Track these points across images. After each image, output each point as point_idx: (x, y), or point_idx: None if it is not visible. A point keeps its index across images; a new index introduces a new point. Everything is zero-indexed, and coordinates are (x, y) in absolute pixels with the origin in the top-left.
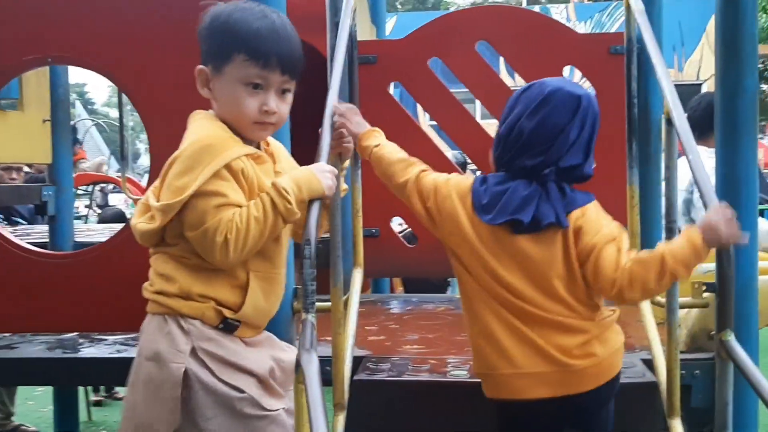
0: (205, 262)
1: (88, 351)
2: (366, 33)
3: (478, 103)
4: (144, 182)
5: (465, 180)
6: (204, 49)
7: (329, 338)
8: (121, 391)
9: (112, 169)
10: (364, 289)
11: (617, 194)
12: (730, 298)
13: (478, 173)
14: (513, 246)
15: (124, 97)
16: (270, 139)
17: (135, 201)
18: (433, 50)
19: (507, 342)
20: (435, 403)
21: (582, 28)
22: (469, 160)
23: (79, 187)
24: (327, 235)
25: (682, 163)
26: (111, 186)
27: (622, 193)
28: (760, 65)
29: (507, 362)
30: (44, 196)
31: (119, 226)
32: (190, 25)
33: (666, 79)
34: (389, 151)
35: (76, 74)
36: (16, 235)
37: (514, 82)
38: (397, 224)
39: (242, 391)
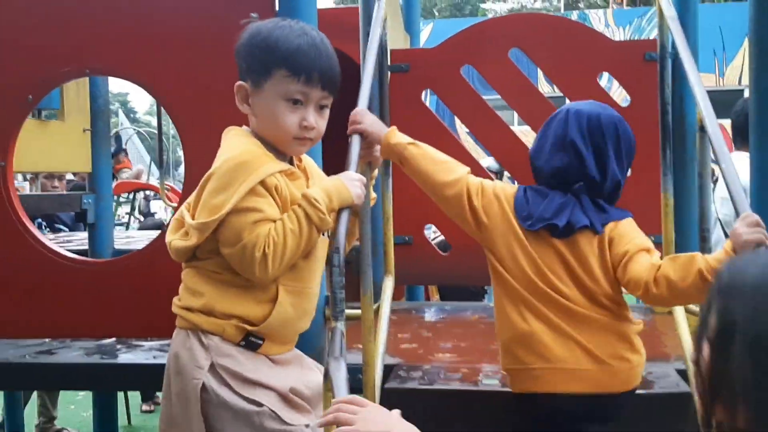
0: (236, 278)
1: (125, 356)
2: (399, 41)
3: None
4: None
5: (510, 187)
6: (243, 65)
7: (361, 345)
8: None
9: (153, 177)
10: (397, 297)
11: (652, 202)
12: None
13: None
14: (553, 249)
15: None
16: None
17: (174, 209)
18: (466, 58)
19: (547, 338)
20: (466, 412)
21: (621, 33)
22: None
23: (121, 195)
24: (359, 243)
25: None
26: (153, 193)
27: (657, 201)
28: None
29: (545, 358)
30: (84, 204)
31: (156, 233)
32: (226, 38)
33: (699, 86)
34: (430, 149)
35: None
36: (57, 242)
37: (552, 90)
38: (432, 231)
39: (260, 405)
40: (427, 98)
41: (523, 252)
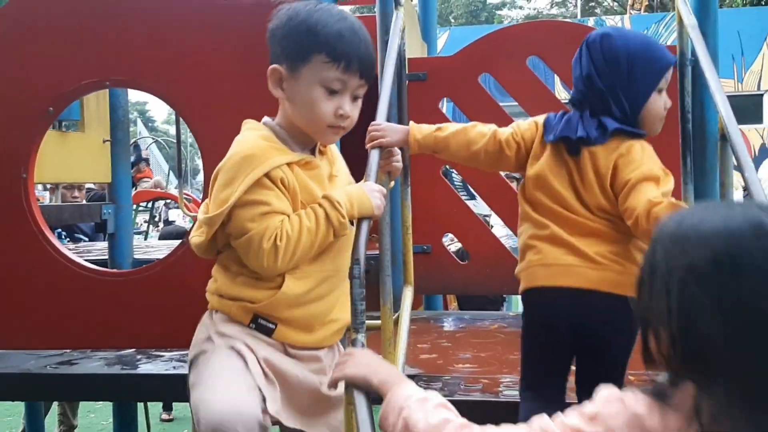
0: (244, 270)
1: (146, 367)
2: (417, 50)
3: None
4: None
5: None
6: (278, 48)
7: (381, 356)
8: None
9: (172, 185)
10: (416, 306)
11: None
12: None
13: None
14: (565, 163)
15: None
16: None
17: (193, 218)
18: (483, 66)
19: (545, 243)
20: (487, 424)
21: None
22: None
23: (140, 204)
24: (377, 252)
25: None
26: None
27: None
28: None
29: (541, 256)
30: (104, 214)
31: (176, 242)
32: (242, 50)
33: (720, 94)
34: (452, 126)
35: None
36: (77, 253)
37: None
38: (449, 239)
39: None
40: (443, 106)
41: (543, 168)
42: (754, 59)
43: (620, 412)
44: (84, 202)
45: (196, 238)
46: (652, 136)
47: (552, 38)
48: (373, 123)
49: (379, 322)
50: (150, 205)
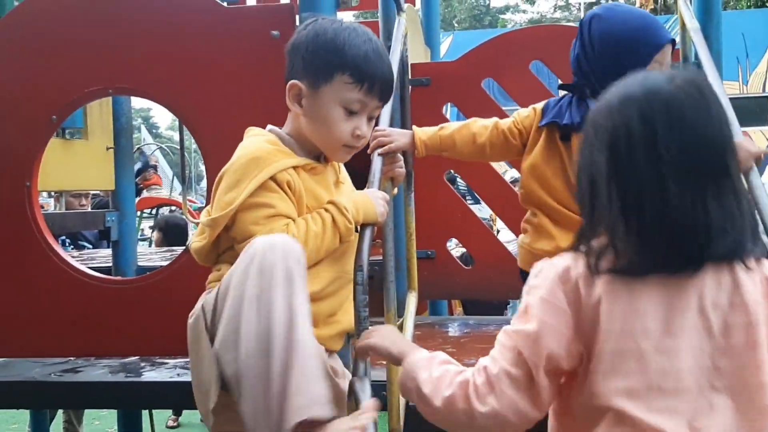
0: None
1: (149, 374)
2: (420, 55)
3: None
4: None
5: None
6: (300, 63)
7: (385, 362)
8: None
9: (176, 192)
10: (420, 311)
11: None
12: None
13: None
14: (558, 150)
15: None
16: None
17: (198, 224)
18: (487, 71)
19: (533, 232)
20: None
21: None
22: None
23: (144, 210)
24: (380, 258)
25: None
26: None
27: None
28: None
29: (530, 243)
30: (108, 221)
31: (180, 249)
32: (246, 57)
33: (723, 97)
34: (454, 125)
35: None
36: (81, 260)
37: None
38: (454, 243)
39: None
40: (447, 111)
41: (537, 157)
42: (759, 61)
43: (550, 271)
44: (90, 209)
45: (196, 243)
46: None
47: (555, 42)
48: (377, 128)
49: None
50: (154, 211)
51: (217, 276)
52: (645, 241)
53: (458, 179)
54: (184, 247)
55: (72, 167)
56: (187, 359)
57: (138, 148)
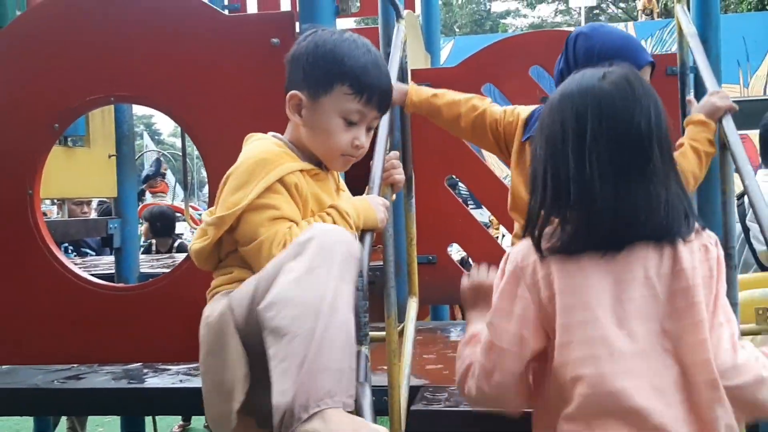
0: (246, 274)
1: (152, 381)
2: (420, 61)
3: None
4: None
5: (527, 109)
6: (300, 74)
7: (386, 367)
8: None
9: (179, 198)
10: (422, 316)
11: None
12: None
13: None
14: None
15: None
16: None
17: None
18: (486, 76)
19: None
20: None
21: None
22: None
23: None
24: (381, 263)
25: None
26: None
27: None
28: None
29: None
30: (110, 228)
31: (182, 256)
32: (246, 64)
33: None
34: (449, 96)
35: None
36: (83, 267)
37: None
38: (456, 251)
39: None
40: None
41: (518, 171)
42: (760, 64)
43: (510, 264)
44: (93, 216)
45: (197, 244)
46: None
47: (554, 48)
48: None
49: (383, 333)
50: None
51: (228, 279)
52: (576, 223)
53: (459, 184)
54: (186, 254)
55: (74, 175)
56: (190, 365)
57: (140, 155)
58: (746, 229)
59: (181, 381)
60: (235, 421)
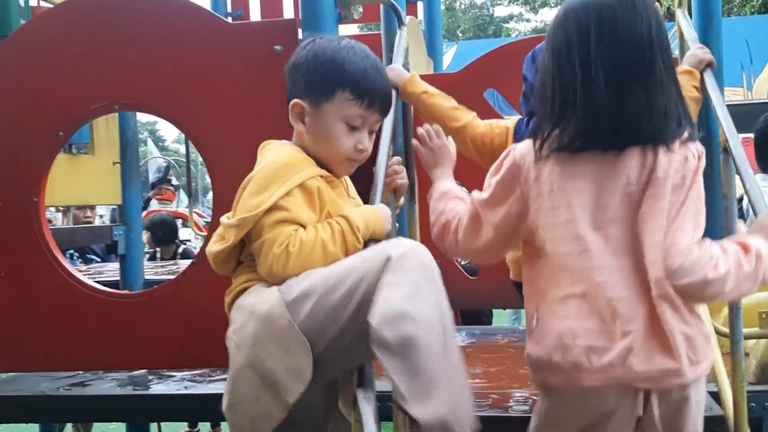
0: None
1: (157, 387)
2: (422, 66)
3: None
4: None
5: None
6: (301, 82)
7: None
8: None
9: (183, 205)
10: None
11: None
12: None
13: None
14: None
15: None
16: None
17: (205, 237)
18: (489, 82)
19: None
20: None
21: None
22: None
23: None
24: None
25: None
26: (181, 221)
27: None
28: None
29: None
30: (115, 235)
31: (187, 262)
32: (249, 71)
33: (721, 107)
34: (439, 100)
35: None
36: (88, 274)
37: None
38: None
39: None
40: None
41: None
42: (763, 67)
43: (509, 159)
44: (96, 221)
45: (216, 246)
46: None
47: None
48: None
49: None
50: None
51: (257, 275)
52: (579, 126)
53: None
54: (190, 261)
55: (79, 182)
56: (195, 372)
57: (144, 162)
58: None
59: (186, 387)
60: (283, 416)
